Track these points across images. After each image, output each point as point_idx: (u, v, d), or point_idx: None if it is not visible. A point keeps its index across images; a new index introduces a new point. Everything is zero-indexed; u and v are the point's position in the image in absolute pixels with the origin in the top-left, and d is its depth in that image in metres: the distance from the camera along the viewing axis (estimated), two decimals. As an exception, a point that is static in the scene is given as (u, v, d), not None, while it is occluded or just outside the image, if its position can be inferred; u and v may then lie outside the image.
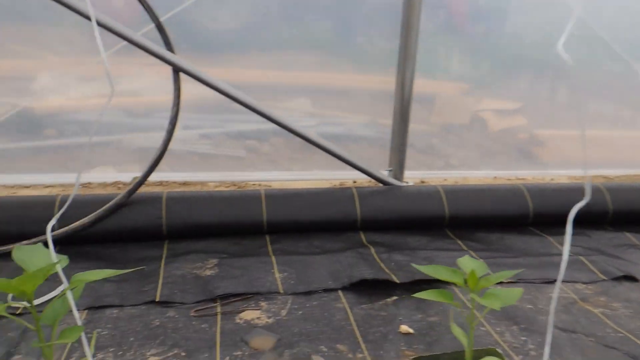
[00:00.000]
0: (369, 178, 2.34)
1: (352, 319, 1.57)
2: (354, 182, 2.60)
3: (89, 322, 1.52)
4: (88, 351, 0.56)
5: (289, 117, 2.22)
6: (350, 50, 2.83)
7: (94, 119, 3.11)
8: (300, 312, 1.60)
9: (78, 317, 0.57)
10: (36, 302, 1.58)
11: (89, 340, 1.41)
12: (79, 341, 1.41)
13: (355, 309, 1.62)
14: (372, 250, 2.00)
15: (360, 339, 1.47)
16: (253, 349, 1.42)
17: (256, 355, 1.40)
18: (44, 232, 1.92)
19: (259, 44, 2.67)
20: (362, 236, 2.14)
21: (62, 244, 1.93)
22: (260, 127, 2.94)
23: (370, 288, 1.74)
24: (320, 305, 1.64)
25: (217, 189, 2.47)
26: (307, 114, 2.98)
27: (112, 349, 1.40)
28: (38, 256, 0.65)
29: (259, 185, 2.55)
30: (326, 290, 1.73)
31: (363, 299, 1.68)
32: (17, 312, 1.49)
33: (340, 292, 1.72)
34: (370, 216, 2.18)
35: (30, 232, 1.86)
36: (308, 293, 1.72)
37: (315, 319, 1.56)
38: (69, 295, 0.59)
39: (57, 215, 0.63)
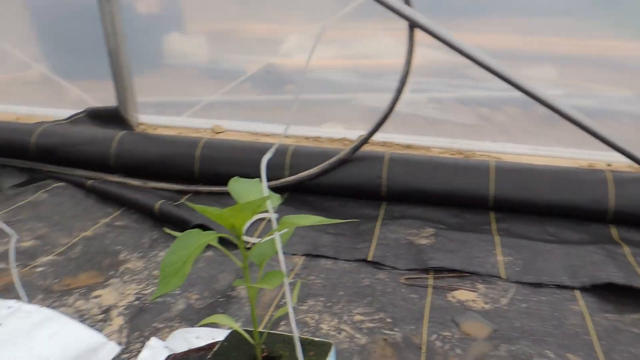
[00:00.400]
0: (629, 162, 1.92)
1: (591, 327, 1.29)
2: (608, 165, 2.18)
3: (305, 267, 1.56)
4: (289, 298, 0.50)
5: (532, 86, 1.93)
6: (612, 13, 2.34)
7: (331, 77, 3.23)
8: (525, 306, 1.39)
9: (283, 260, 0.50)
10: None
11: (293, 287, 1.45)
12: (293, 285, 1.45)
13: (597, 316, 1.34)
14: (626, 249, 1.63)
15: (601, 354, 1.20)
16: (464, 333, 1.28)
17: (467, 341, 1.25)
18: (268, 178, 2.05)
19: (499, 7, 2.40)
20: (613, 231, 1.77)
21: (291, 191, 2.04)
22: (494, 94, 2.68)
23: (618, 296, 1.42)
24: (550, 302, 1.40)
25: (441, 155, 2.32)
26: (550, 83, 2.60)
27: (322, 298, 1.41)
28: (253, 190, 0.61)
29: (488, 156, 2.32)
30: (559, 287, 1.47)
31: (608, 306, 1.38)
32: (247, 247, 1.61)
33: (577, 293, 1.44)
34: (628, 208, 1.78)
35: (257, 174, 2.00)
36: (536, 285, 1.48)
37: (542, 317, 1.34)
38: (277, 237, 0.52)
39: (269, 154, 0.57)
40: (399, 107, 1.97)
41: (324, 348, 0.59)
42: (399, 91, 1.95)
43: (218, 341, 0.61)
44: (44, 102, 2.88)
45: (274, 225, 0.55)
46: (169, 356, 0.68)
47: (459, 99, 2.82)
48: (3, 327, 0.72)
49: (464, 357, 1.20)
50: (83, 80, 2.95)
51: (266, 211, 0.57)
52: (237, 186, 0.58)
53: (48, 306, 1.31)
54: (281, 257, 0.53)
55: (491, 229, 1.82)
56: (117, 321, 1.27)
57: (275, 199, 0.58)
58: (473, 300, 1.41)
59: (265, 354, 0.59)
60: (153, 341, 0.72)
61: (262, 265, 0.55)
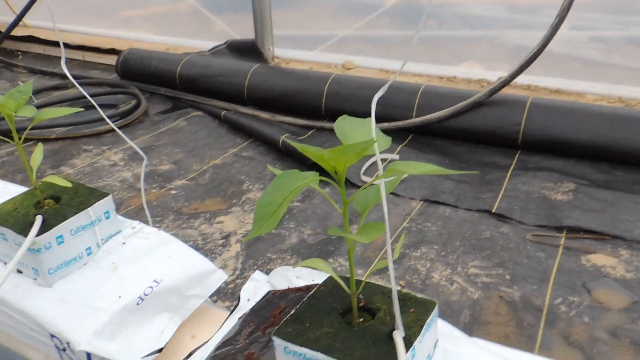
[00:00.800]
0: None
1: None
2: None
3: (422, 213, 1.50)
4: (389, 252, 0.46)
5: None
6: None
7: (475, 12, 2.96)
8: (676, 271, 1.19)
9: (386, 211, 0.45)
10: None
11: (402, 235, 1.40)
12: (409, 235, 1.40)
13: None
14: None
15: None
16: (596, 301, 1.14)
17: (598, 309, 1.11)
18: (396, 118, 1.97)
19: None
20: None
21: (416, 132, 1.95)
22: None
23: None
24: None
25: (596, 103, 2.03)
26: None
27: (436, 247, 1.34)
28: (361, 131, 0.55)
29: (656, 106, 1.98)
30: None
31: None
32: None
33: None
34: None
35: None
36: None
37: (698, 294, 1.14)
38: (381, 184, 0.47)
39: (381, 92, 0.50)
40: (551, 46, 1.73)
41: (427, 307, 0.55)
42: (555, 27, 1.71)
43: (316, 284, 0.60)
44: (192, 34, 3.05)
45: (380, 171, 0.50)
46: (269, 292, 0.68)
47: (630, 38, 2.43)
48: (126, 246, 0.78)
49: (592, 326, 1.07)
50: (227, 14, 3.06)
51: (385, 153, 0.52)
52: (345, 125, 0.53)
53: (177, 227, 1.43)
54: (385, 207, 0.48)
55: (648, 189, 1.57)
56: (235, 248, 1.34)
57: (385, 142, 0.52)
58: (612, 267, 1.24)
59: (362, 304, 0.56)
60: (257, 274, 0.73)
61: (365, 213, 0.51)
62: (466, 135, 1.89)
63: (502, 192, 1.56)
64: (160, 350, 0.65)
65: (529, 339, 1.06)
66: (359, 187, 1.62)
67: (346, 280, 0.57)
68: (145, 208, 0.94)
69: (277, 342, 0.51)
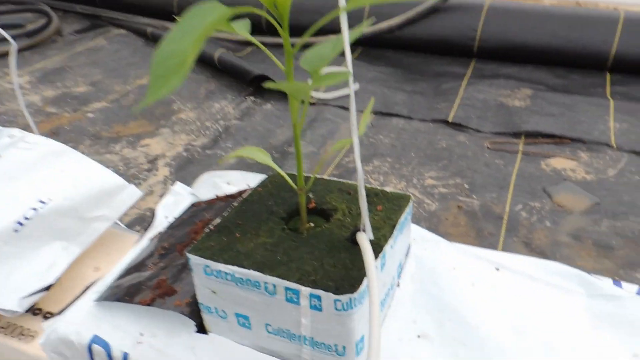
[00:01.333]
0: None
1: None
2: None
3: (373, 126, 1.37)
4: (353, 117, 0.31)
5: None
6: None
7: None
8: (637, 179, 1.14)
9: (349, 55, 0.30)
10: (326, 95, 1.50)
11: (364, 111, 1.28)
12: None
13: None
14: None
15: None
16: (557, 205, 1.07)
17: (560, 214, 1.05)
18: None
19: None
20: None
21: (366, 45, 1.80)
22: None
23: None
24: (672, 176, 1.14)
25: (554, 5, 1.93)
26: None
27: (389, 159, 1.23)
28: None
29: (614, 9, 1.89)
30: (687, 159, 1.18)
31: None
32: (312, 102, 1.44)
33: None
34: None
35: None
36: (655, 157, 1.21)
37: (660, 192, 1.09)
38: (345, 39, 0.32)
39: None
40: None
41: (399, 202, 0.42)
42: None
43: (253, 188, 0.46)
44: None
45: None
46: (192, 204, 0.54)
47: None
48: (2, 159, 0.61)
49: (554, 231, 1.00)
50: None
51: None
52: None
53: (94, 152, 1.25)
54: (348, 54, 0.33)
55: (605, 92, 1.50)
56: (163, 172, 1.18)
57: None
58: (572, 170, 1.17)
59: (312, 205, 0.42)
60: (178, 186, 0.59)
61: (316, 74, 0.36)
62: (420, 45, 1.75)
63: (457, 101, 1.46)
64: (48, 288, 0.51)
65: (490, 248, 0.98)
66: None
67: (292, 178, 0.44)
68: (24, 110, 0.74)
69: (195, 260, 0.37)
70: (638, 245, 0.96)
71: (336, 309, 0.34)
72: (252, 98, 1.50)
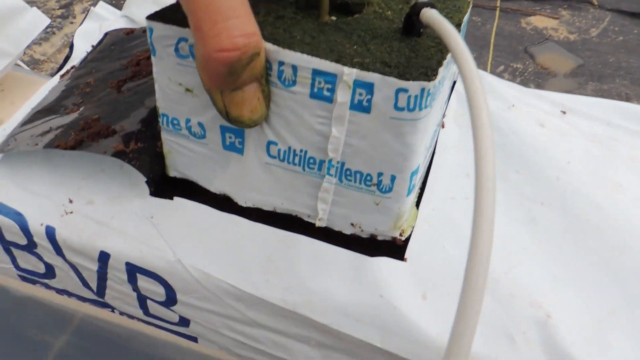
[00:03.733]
0: None
1: None
2: None
3: None
4: None
5: None
6: None
7: None
8: (621, 39, 1.05)
9: None
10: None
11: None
12: None
13: None
14: None
15: None
16: (540, 67, 0.97)
17: (544, 76, 0.95)
18: None
19: None
20: None
21: None
22: None
23: None
24: (656, 36, 1.06)
25: None
26: None
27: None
28: None
29: None
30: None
31: None
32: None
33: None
34: None
35: None
36: (638, 16, 1.12)
37: (644, 52, 1.01)
38: None
39: None
40: None
41: (454, 3, 0.26)
42: None
43: None
44: None
45: None
46: (106, 34, 0.37)
47: None
48: None
49: (540, 94, 0.91)
50: None
51: None
52: None
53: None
54: None
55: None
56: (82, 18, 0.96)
57: None
58: (554, 29, 1.07)
59: None
60: (101, 8, 0.41)
61: None
62: None
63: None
64: None
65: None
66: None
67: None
68: None
69: (159, 31, 0.20)
70: (624, 108, 0.90)
71: (397, 107, 0.20)
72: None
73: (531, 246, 0.25)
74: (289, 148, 0.23)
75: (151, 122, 0.27)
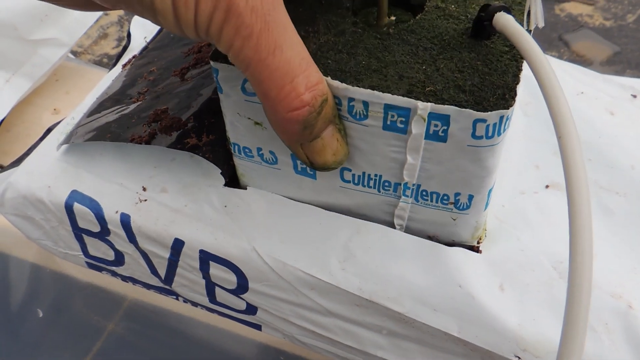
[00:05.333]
0: None
1: None
2: None
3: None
4: None
5: None
6: None
7: None
8: (659, 25, 1.03)
9: None
10: None
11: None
12: None
13: None
14: None
15: None
16: (576, 55, 0.96)
17: (579, 63, 0.93)
18: None
19: None
20: None
21: None
22: None
23: None
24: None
25: None
26: None
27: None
28: None
29: None
30: None
31: None
32: None
33: None
34: None
35: None
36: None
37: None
38: None
39: None
40: None
41: None
42: None
43: None
44: None
45: None
46: None
47: None
48: None
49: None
50: None
51: None
52: None
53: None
54: None
55: None
56: (116, 10, 0.96)
57: None
58: (589, 16, 1.05)
59: None
60: None
61: None
62: None
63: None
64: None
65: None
66: None
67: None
68: None
69: (225, 72, 0.21)
70: (664, 96, 0.88)
71: (474, 136, 0.20)
72: None
73: (609, 237, 0.24)
74: (364, 173, 0.23)
75: (218, 112, 0.27)
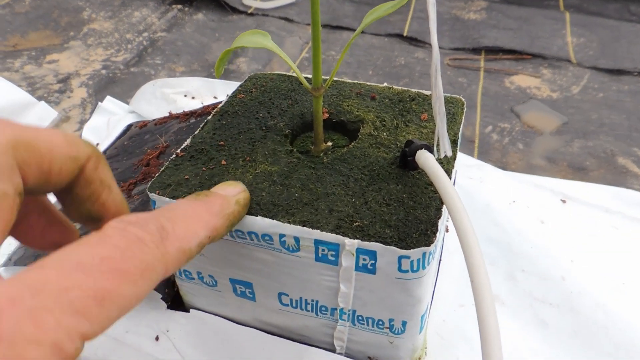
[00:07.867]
0: None
1: (694, 122, 1.01)
2: None
3: (324, 41, 1.23)
4: None
5: None
6: None
7: None
8: (601, 95, 1.09)
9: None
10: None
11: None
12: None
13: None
14: None
15: None
16: (526, 126, 1.00)
17: (531, 134, 0.98)
18: None
19: None
20: None
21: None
22: None
23: None
24: (633, 92, 1.10)
25: None
26: None
27: (346, 78, 1.10)
28: None
29: None
30: (648, 74, 1.15)
31: None
32: (248, 12, 1.25)
33: (672, 81, 1.13)
34: None
35: None
36: (615, 72, 1.16)
37: (623, 109, 1.05)
38: None
39: None
40: None
41: (448, 109, 0.29)
42: None
43: (231, 95, 0.31)
44: None
45: None
46: (130, 125, 0.38)
47: None
48: None
49: (528, 153, 0.94)
50: None
51: None
52: None
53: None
54: None
55: (559, 3, 1.43)
56: (79, 93, 0.98)
57: None
58: (537, 88, 1.11)
59: (325, 114, 0.29)
60: (109, 102, 0.43)
61: None
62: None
63: (410, 14, 1.33)
64: None
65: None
66: (240, 11, 1.28)
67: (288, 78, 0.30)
68: None
69: (162, 204, 0.23)
70: (611, 165, 0.92)
71: (400, 269, 0.21)
72: (179, 6, 1.29)
73: (543, 349, 0.25)
74: (300, 298, 0.23)
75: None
